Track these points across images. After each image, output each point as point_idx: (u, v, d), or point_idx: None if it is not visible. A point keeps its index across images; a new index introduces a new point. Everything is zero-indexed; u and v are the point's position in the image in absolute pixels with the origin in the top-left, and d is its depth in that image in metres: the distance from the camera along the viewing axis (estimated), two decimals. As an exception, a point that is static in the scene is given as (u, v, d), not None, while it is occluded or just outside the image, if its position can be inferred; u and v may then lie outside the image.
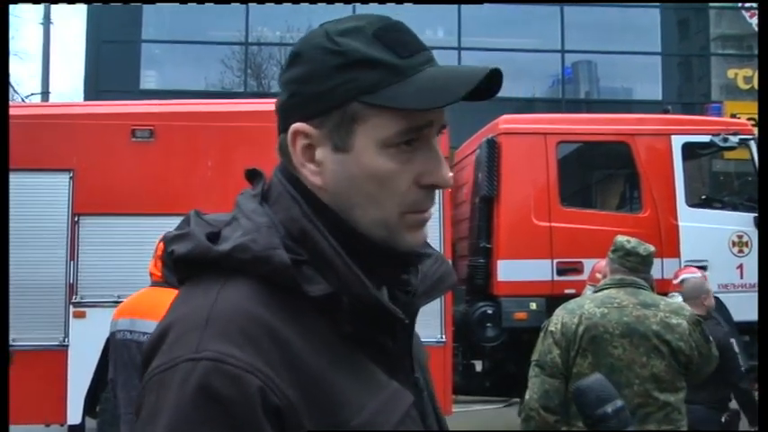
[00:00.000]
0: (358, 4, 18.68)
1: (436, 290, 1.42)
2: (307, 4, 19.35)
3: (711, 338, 4.56)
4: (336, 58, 1.24)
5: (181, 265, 1.28)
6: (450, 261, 1.40)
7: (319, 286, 1.20)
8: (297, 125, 1.26)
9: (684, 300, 6.73)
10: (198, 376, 1.10)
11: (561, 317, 4.52)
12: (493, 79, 1.27)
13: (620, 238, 4.68)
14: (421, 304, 1.39)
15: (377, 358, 1.27)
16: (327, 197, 1.27)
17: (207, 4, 19.92)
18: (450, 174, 1.30)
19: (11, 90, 24.45)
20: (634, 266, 4.53)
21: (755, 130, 9.80)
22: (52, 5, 22.25)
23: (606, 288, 4.57)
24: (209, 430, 1.09)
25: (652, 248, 4.62)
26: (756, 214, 8.95)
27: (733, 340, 6.71)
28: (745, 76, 20.86)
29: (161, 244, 4.68)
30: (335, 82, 1.24)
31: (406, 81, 1.24)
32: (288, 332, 1.17)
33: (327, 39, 1.26)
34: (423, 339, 1.52)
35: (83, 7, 21.15)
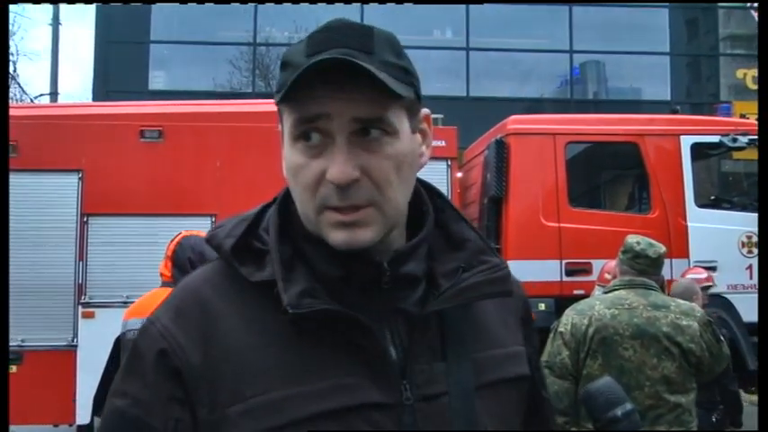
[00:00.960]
0: (364, 5, 18.70)
1: (477, 294, 1.40)
2: (314, 4, 19.35)
3: (722, 338, 4.53)
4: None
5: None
6: (507, 270, 1.34)
7: (262, 273, 1.32)
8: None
9: None
10: (138, 333, 1.37)
11: (571, 318, 4.50)
12: (355, 68, 1.22)
13: (630, 240, 4.65)
14: (442, 305, 1.35)
15: (345, 352, 1.27)
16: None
17: (215, 5, 19.94)
18: (341, 169, 1.25)
19: (20, 91, 24.54)
20: (643, 268, 4.51)
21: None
22: (61, 6, 22.28)
23: (616, 289, 4.54)
24: (128, 375, 1.33)
25: (662, 250, 4.60)
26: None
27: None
28: (754, 76, 20.78)
29: (172, 244, 4.69)
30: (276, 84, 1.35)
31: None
32: (222, 308, 1.32)
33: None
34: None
35: (91, 8, 21.19)
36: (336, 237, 1.28)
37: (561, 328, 4.50)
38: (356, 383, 1.26)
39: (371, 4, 18.63)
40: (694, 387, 4.31)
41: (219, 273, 1.37)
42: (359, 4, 19.00)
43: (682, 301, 4.50)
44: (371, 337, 1.28)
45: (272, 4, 20.14)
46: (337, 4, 18.84)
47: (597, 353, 4.31)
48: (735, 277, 9.07)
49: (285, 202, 1.39)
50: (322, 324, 1.26)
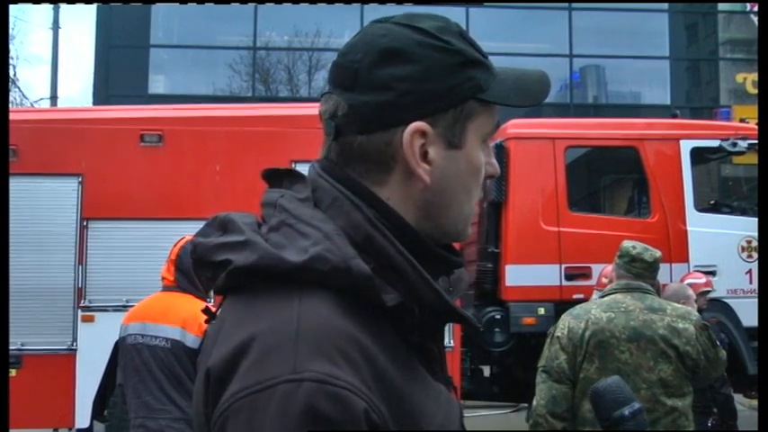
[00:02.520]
0: (364, 5, 18.72)
1: (456, 290, 1.41)
2: (313, 6, 19.38)
3: (718, 342, 4.54)
4: (453, 57, 1.26)
5: (238, 277, 1.19)
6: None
7: (391, 295, 1.17)
8: (418, 124, 1.24)
9: None
10: (302, 399, 1.04)
11: (567, 322, 4.51)
12: None
13: (626, 244, 4.67)
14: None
15: (425, 363, 1.26)
16: (427, 196, 1.27)
17: (215, 9, 19.97)
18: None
19: (20, 95, 24.56)
20: (639, 272, 4.54)
21: (764, 135, 9.76)
22: (61, 11, 22.30)
23: (612, 293, 4.56)
24: None
25: (658, 254, 4.62)
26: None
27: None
28: (753, 80, 20.80)
29: (175, 249, 4.68)
30: (456, 81, 1.26)
31: (497, 80, 1.31)
32: (371, 345, 1.13)
33: (431, 36, 1.27)
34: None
35: (92, 12, 21.22)
36: (470, 229, 1.37)
37: (558, 333, 4.50)
38: (446, 390, 1.29)
39: (371, 4, 18.66)
40: (691, 391, 4.32)
41: (341, 303, 1.15)
42: (358, 6, 19.04)
43: (678, 305, 4.53)
44: (441, 341, 1.34)
45: (272, 7, 20.14)
46: (336, 5, 18.90)
47: (594, 356, 4.32)
48: (734, 282, 9.08)
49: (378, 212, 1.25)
50: (427, 335, 1.27)
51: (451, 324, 8.46)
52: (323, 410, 1.04)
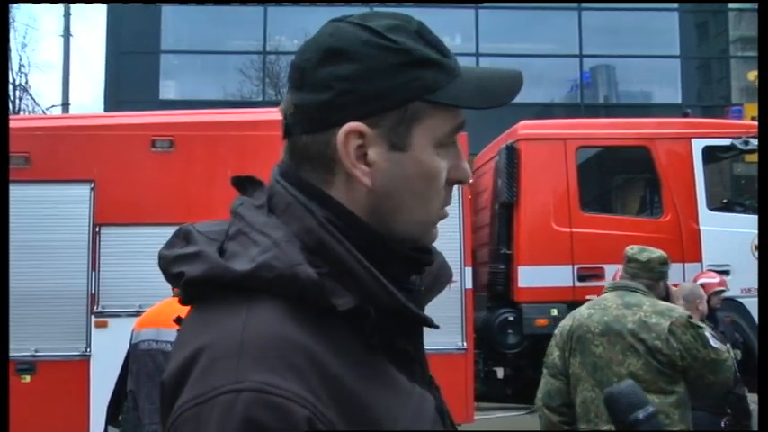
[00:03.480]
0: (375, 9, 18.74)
1: (437, 286, 1.38)
2: (323, 11, 19.41)
3: (718, 344, 4.49)
4: (398, 56, 1.22)
5: (192, 288, 1.20)
6: (443, 253, 1.36)
7: (345, 299, 1.15)
8: (352, 124, 1.20)
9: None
10: (242, 409, 1.04)
11: (564, 320, 4.73)
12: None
13: (628, 247, 4.78)
14: (426, 302, 1.35)
15: (399, 363, 1.23)
16: (372, 200, 1.23)
17: (224, 14, 20.02)
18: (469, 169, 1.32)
19: (32, 102, 24.67)
20: (634, 272, 4.64)
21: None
22: (72, 18, 22.39)
23: (605, 292, 4.69)
24: None
25: (655, 255, 4.67)
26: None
27: (729, 345, 6.70)
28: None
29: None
30: (399, 80, 1.21)
31: (455, 80, 1.25)
32: (322, 351, 1.11)
33: (377, 35, 1.23)
34: (444, 346, 1.51)
35: (102, 19, 21.32)
36: (436, 233, 1.31)
37: (556, 331, 4.70)
38: (421, 390, 1.26)
39: (379, 9, 18.66)
40: (676, 390, 4.30)
41: (289, 310, 1.14)
42: (368, 10, 19.04)
43: (662, 303, 4.53)
44: (416, 341, 1.30)
45: (282, 11, 20.19)
46: (346, 7, 18.90)
47: (576, 351, 4.46)
48: (748, 280, 9.02)
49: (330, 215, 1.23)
50: (388, 337, 1.22)
51: (465, 326, 8.51)
52: (261, 420, 1.03)
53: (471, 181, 10.15)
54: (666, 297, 4.74)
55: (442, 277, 1.39)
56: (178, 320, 1.28)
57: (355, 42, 1.22)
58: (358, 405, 1.12)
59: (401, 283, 1.27)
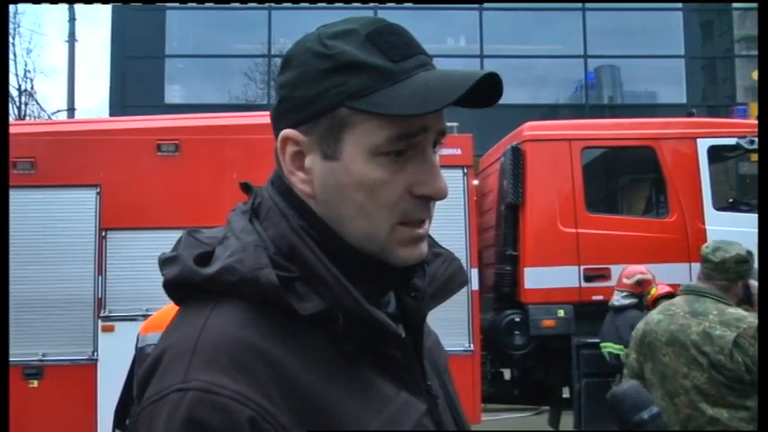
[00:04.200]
0: (380, 12, 18.75)
1: (446, 291, 1.36)
2: (327, 13, 19.42)
3: None
4: (325, 62, 1.19)
5: (171, 290, 1.24)
6: (460, 259, 1.32)
7: (312, 303, 1.16)
8: (286, 131, 1.23)
9: None
10: (186, 408, 1.06)
11: (639, 323, 4.62)
12: (493, 84, 1.21)
13: (705, 244, 4.60)
14: (430, 307, 1.34)
15: (384, 370, 1.22)
16: (318, 207, 1.23)
17: (229, 17, 20.05)
18: (443, 183, 1.23)
19: (38, 107, 24.72)
20: (708, 273, 4.43)
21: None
22: (77, 23, 22.46)
23: (679, 294, 4.57)
24: None
25: (730, 254, 4.44)
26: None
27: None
28: (770, 77, 20.69)
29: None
30: (324, 86, 1.19)
31: (396, 85, 1.18)
32: (281, 354, 1.12)
33: (318, 42, 1.22)
34: (450, 348, 1.49)
35: (107, 24, 21.36)
36: (413, 253, 1.24)
37: (633, 332, 4.59)
38: (408, 396, 1.24)
39: (384, 12, 18.69)
40: (746, 405, 4.03)
41: (252, 312, 1.15)
42: (371, 13, 19.06)
43: (732, 311, 4.25)
44: (406, 348, 1.27)
45: (286, 14, 20.21)
46: (350, 10, 18.90)
47: (648, 357, 4.36)
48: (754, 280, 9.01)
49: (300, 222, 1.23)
50: (364, 343, 1.20)
51: (471, 328, 8.51)
52: (203, 419, 1.05)
53: (476, 181, 10.18)
54: (746, 298, 4.44)
55: (454, 282, 1.37)
56: None
57: (300, 50, 1.24)
58: (320, 409, 1.12)
59: (398, 287, 1.29)
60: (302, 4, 19.48)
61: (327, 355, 1.17)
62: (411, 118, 1.17)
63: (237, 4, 20.11)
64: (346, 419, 1.14)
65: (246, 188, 1.35)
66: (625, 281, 7.97)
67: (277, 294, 1.14)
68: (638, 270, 8.01)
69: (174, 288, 1.24)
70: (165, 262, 1.25)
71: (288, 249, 1.20)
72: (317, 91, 1.20)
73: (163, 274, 1.25)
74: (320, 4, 19.37)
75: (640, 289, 7.92)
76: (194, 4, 19.74)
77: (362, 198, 1.20)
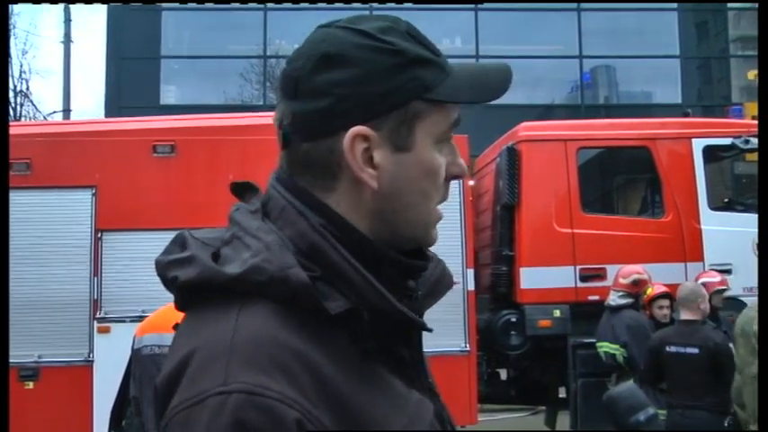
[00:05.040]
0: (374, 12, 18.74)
1: (437, 292, 1.37)
2: (323, 14, 19.42)
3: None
4: (394, 58, 1.22)
5: (186, 291, 1.21)
6: (444, 261, 1.38)
7: (338, 303, 1.15)
8: (357, 129, 1.21)
9: (680, 304, 6.74)
10: (231, 411, 1.04)
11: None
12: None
13: None
14: (425, 308, 1.34)
15: (395, 369, 1.23)
16: (378, 202, 1.24)
17: (225, 18, 20.05)
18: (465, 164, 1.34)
19: (33, 108, 24.69)
20: None
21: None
22: (72, 24, 22.43)
23: None
24: None
25: None
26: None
27: (731, 344, 6.73)
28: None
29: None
30: (398, 81, 1.22)
31: (449, 78, 1.25)
32: (315, 354, 1.12)
33: (371, 38, 1.23)
34: (447, 349, 1.50)
35: (102, 25, 21.36)
36: (435, 233, 1.32)
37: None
38: (419, 396, 1.25)
39: (379, 12, 18.67)
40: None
41: (281, 312, 1.14)
42: (366, 13, 19.05)
43: None
44: (412, 347, 1.29)
45: (281, 15, 20.22)
46: (345, 11, 18.88)
47: (738, 346, 4.49)
48: (750, 280, 9.01)
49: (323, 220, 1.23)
50: (383, 341, 1.21)
51: (467, 328, 8.51)
52: (251, 422, 1.03)
53: (471, 181, 10.19)
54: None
55: (442, 283, 1.38)
56: (176, 327, 1.28)
57: (349, 46, 1.22)
58: (351, 409, 1.12)
59: (399, 288, 1.28)
60: (298, 5, 19.49)
61: (350, 355, 1.17)
62: (455, 107, 1.28)
63: (233, 5, 20.12)
64: (375, 418, 1.14)
65: (242, 188, 1.33)
66: (621, 281, 7.99)
67: (308, 293, 1.14)
68: (635, 270, 8.02)
69: (188, 290, 1.21)
70: (173, 264, 1.22)
71: (308, 248, 1.19)
72: (391, 86, 1.22)
73: (172, 277, 1.21)
74: (316, 5, 19.38)
75: (636, 289, 7.94)
76: (190, 5, 19.75)
77: (427, 185, 1.26)
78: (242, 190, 1.33)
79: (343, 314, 1.15)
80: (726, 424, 6.49)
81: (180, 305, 1.24)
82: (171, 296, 1.32)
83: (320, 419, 1.07)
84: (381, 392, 1.18)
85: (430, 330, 1.26)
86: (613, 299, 7.96)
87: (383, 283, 1.20)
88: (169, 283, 1.23)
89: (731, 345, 6.69)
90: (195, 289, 1.19)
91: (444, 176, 1.28)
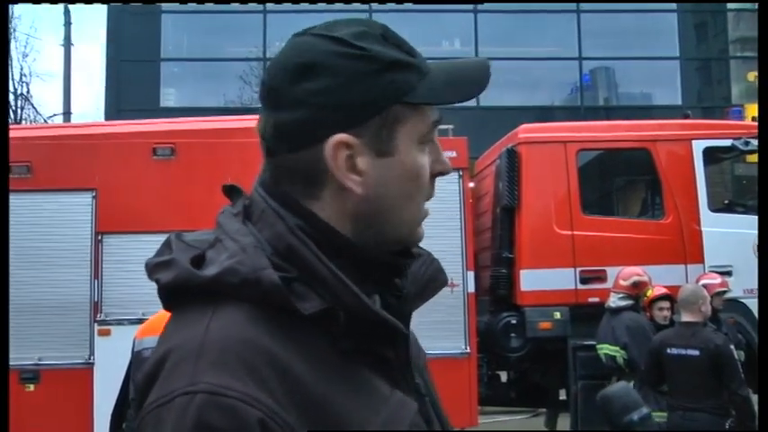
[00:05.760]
0: (373, 13, 18.76)
1: (428, 291, 1.38)
2: (322, 16, 19.43)
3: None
4: (370, 64, 1.22)
5: (166, 294, 1.24)
6: (437, 259, 1.42)
7: (312, 303, 1.16)
8: (339, 137, 1.21)
9: (680, 306, 6.74)
10: (194, 411, 1.06)
11: None
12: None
13: None
14: (414, 307, 1.35)
15: (378, 369, 1.23)
16: (362, 206, 1.25)
17: (224, 21, 20.06)
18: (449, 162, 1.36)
19: (34, 111, 24.70)
20: None
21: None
22: (72, 27, 22.45)
23: None
24: None
25: None
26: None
27: (732, 347, 6.74)
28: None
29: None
30: (376, 87, 1.22)
31: (426, 78, 1.26)
32: (286, 355, 1.13)
33: (346, 45, 1.23)
34: (447, 351, 1.50)
35: (102, 28, 21.37)
36: (421, 231, 1.33)
37: None
38: (402, 395, 1.25)
39: (378, 15, 18.70)
40: None
41: (254, 313, 1.16)
42: (366, 13, 19.07)
43: None
44: (397, 347, 1.29)
45: (281, 17, 20.22)
46: (344, 12, 18.90)
47: None
48: (750, 281, 9.02)
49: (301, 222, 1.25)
50: (362, 342, 1.22)
51: (468, 331, 8.51)
52: (212, 422, 1.05)
53: (471, 183, 10.19)
54: None
55: (435, 282, 1.39)
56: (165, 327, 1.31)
57: (325, 55, 1.23)
58: (322, 409, 1.13)
59: (387, 289, 1.30)
60: (297, 7, 19.50)
61: (326, 355, 1.18)
62: (435, 107, 1.28)
63: (232, 7, 20.13)
64: (348, 419, 1.15)
65: (231, 191, 1.36)
66: (621, 282, 7.98)
67: (279, 294, 1.15)
68: (635, 272, 8.02)
69: (169, 292, 1.23)
70: (157, 266, 1.25)
71: (285, 250, 1.21)
72: (370, 93, 1.22)
73: (155, 279, 1.24)
74: (315, 6, 19.40)
75: (637, 291, 7.94)
76: (190, 7, 19.76)
77: (412, 186, 1.27)
78: (231, 192, 1.36)
79: (317, 314, 1.16)
80: (727, 426, 6.49)
81: (165, 306, 1.27)
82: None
83: (286, 420, 1.08)
84: (358, 393, 1.18)
85: (406, 333, 1.26)
86: (614, 300, 7.95)
87: (367, 284, 1.21)
88: (156, 284, 1.25)
89: (732, 347, 6.71)
90: (174, 291, 1.22)
91: (429, 175, 1.30)
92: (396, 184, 1.26)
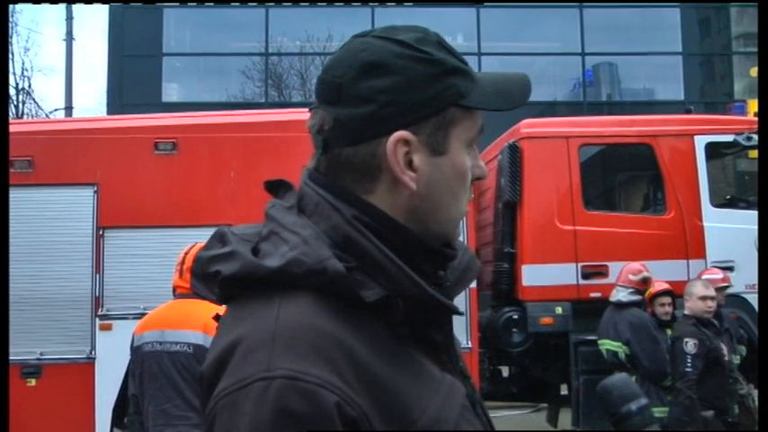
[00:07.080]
0: (375, 10, 18.73)
1: (465, 279, 1.47)
2: (324, 11, 19.41)
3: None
4: (433, 67, 1.31)
5: (228, 285, 1.28)
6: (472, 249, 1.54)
7: (374, 290, 1.23)
8: (400, 133, 1.29)
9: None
10: (274, 395, 1.11)
11: None
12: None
13: None
14: (454, 294, 1.43)
15: (429, 353, 1.31)
16: (413, 202, 1.32)
17: (226, 16, 20.04)
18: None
19: (36, 106, 24.71)
20: None
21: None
22: (74, 21, 22.44)
23: None
24: None
25: None
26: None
27: (687, 340, 6.86)
28: None
29: (187, 256, 4.69)
30: (437, 89, 1.31)
31: (478, 85, 1.35)
32: (353, 341, 1.19)
33: (410, 48, 1.31)
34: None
35: (104, 23, 21.38)
36: (459, 229, 1.43)
37: None
38: (452, 378, 1.34)
39: (382, 8, 18.68)
40: None
41: (320, 302, 1.21)
42: (369, 11, 19.06)
43: None
44: (445, 332, 1.38)
45: (283, 12, 20.21)
46: (348, 9, 18.91)
47: None
48: (752, 277, 9.00)
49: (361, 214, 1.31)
50: (418, 327, 1.30)
51: (469, 326, 8.51)
52: (292, 406, 1.10)
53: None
54: None
55: (470, 271, 1.48)
56: (216, 318, 1.37)
57: (391, 56, 1.30)
58: (388, 392, 1.19)
59: (431, 278, 1.34)
60: (299, 2, 19.48)
61: (386, 341, 1.24)
62: (481, 114, 1.37)
63: (234, 3, 20.12)
64: (411, 401, 1.22)
65: (274, 186, 1.40)
66: (631, 278, 7.94)
67: (344, 283, 1.22)
68: (639, 267, 8.01)
69: (231, 283, 1.28)
70: (215, 259, 1.29)
71: (343, 241, 1.27)
72: (431, 94, 1.31)
73: (213, 271, 1.28)
74: (316, 3, 19.39)
75: (645, 287, 7.92)
76: (191, 3, 19.75)
77: (459, 186, 1.36)
78: (275, 188, 1.40)
79: (378, 302, 1.23)
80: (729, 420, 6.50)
81: (221, 298, 1.32)
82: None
83: (358, 403, 1.14)
84: (415, 376, 1.25)
85: (461, 314, 1.37)
86: (624, 295, 7.88)
87: (416, 272, 1.27)
88: (210, 277, 1.30)
89: (686, 340, 6.76)
90: (237, 282, 1.27)
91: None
92: (446, 183, 1.34)
